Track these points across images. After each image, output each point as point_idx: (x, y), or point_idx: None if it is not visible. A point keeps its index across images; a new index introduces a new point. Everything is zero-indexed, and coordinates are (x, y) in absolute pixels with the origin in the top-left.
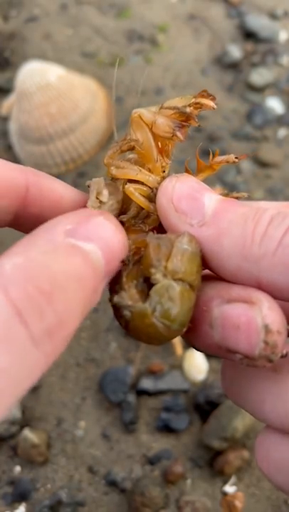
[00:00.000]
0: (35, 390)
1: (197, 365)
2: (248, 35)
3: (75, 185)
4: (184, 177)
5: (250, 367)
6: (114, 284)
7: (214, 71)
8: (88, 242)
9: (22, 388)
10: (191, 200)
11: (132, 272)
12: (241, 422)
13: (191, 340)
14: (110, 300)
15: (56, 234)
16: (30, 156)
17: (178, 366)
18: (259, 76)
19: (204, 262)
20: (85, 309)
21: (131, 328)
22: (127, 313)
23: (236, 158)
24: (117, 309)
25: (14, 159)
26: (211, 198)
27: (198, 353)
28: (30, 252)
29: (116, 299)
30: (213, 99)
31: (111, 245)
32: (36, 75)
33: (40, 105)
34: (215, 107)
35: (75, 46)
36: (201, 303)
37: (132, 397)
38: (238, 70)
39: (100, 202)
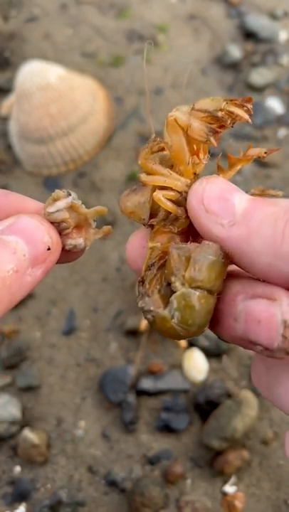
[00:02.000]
0: (35, 390)
1: (197, 365)
2: (248, 35)
3: (75, 185)
4: (214, 178)
5: (270, 358)
6: (141, 288)
7: (214, 71)
8: (11, 235)
9: None
10: (221, 201)
11: (157, 276)
12: (241, 422)
13: (218, 332)
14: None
15: None
16: (31, 157)
17: (178, 366)
18: (259, 76)
19: (235, 260)
20: (9, 286)
21: (155, 327)
22: (149, 317)
23: (265, 153)
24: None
25: (14, 159)
26: (241, 198)
27: (199, 353)
28: None
29: (140, 304)
30: (248, 110)
31: (33, 236)
32: (36, 75)
33: (40, 105)
34: (250, 120)
35: (75, 46)
36: (227, 297)
37: (132, 397)
38: (238, 70)
39: (47, 212)
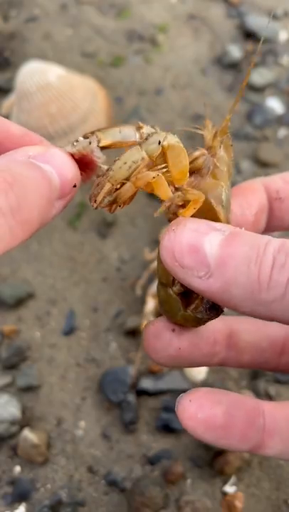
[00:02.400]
0: (35, 390)
1: None
2: (248, 35)
3: None
4: (181, 227)
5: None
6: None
7: (214, 71)
8: (46, 164)
9: None
10: (192, 254)
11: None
12: None
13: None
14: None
15: (19, 156)
16: None
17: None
18: (259, 76)
19: (220, 304)
20: (41, 213)
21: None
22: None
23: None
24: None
25: None
26: (212, 244)
27: None
28: None
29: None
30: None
31: (64, 170)
32: (36, 75)
33: (40, 105)
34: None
35: (75, 46)
36: None
37: (132, 397)
38: (238, 70)
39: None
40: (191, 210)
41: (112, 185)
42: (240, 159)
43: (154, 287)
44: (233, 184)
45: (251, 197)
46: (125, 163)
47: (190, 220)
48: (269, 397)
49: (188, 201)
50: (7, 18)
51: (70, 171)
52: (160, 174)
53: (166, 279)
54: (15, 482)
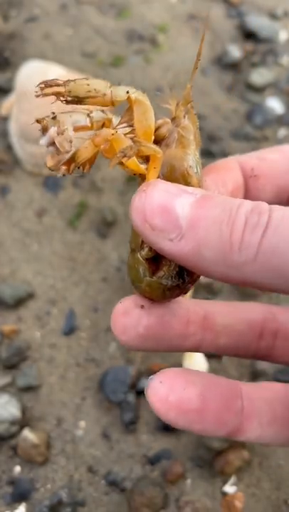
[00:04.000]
0: (35, 390)
1: (197, 365)
2: (248, 35)
3: (75, 185)
4: (151, 188)
5: None
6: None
7: (214, 71)
8: None
9: None
10: (164, 215)
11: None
12: None
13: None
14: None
15: None
16: (30, 156)
17: (178, 366)
18: (259, 76)
19: (191, 269)
20: None
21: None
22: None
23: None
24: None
25: (14, 159)
26: (183, 204)
27: (199, 353)
28: None
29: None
30: None
31: None
32: (36, 75)
33: (40, 105)
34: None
35: (75, 46)
36: None
37: (132, 397)
38: (238, 69)
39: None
40: (153, 171)
41: (65, 91)
42: None
43: None
44: None
45: (226, 175)
46: (88, 84)
47: (161, 181)
48: None
49: (147, 160)
50: (7, 18)
51: None
52: (119, 132)
53: (135, 243)
54: (15, 482)
